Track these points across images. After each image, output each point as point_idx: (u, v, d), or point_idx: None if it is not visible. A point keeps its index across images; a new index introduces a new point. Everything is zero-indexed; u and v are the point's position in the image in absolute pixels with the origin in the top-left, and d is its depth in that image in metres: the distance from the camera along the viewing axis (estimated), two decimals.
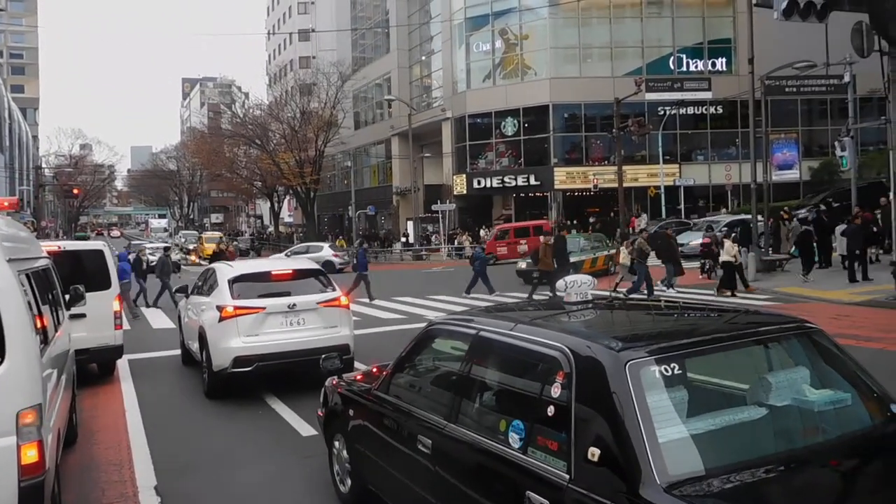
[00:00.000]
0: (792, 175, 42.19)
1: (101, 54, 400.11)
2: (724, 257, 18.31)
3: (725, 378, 3.65)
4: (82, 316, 9.32)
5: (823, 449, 3.21)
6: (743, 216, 30.01)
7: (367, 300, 20.19)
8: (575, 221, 42.20)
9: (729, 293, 17.72)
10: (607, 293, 18.85)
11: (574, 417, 3.15)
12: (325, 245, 39.74)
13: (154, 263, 23.25)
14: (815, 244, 20.76)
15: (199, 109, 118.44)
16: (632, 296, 17.17)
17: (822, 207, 26.61)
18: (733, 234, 20.06)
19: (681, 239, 29.17)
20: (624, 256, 19.94)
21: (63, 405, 6.01)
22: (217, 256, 23.77)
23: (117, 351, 10.77)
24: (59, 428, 5.58)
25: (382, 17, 59.81)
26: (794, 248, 22.25)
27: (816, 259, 21.64)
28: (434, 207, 45.43)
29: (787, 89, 32.78)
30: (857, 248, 18.30)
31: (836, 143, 27.38)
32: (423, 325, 5.05)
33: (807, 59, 24.92)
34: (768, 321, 3.94)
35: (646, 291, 18.02)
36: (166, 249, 30.88)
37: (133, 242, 47.29)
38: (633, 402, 2.98)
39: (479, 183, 46.17)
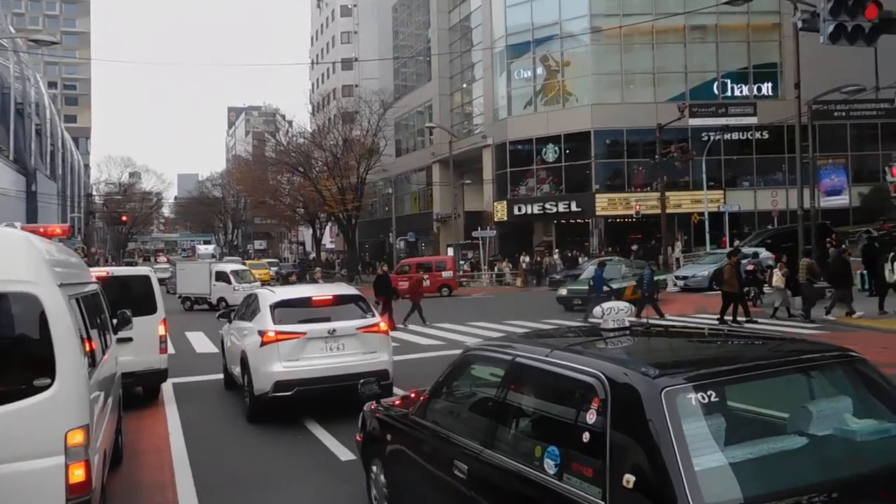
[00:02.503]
0: (841, 201, 41.32)
1: (151, 85, 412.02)
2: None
3: (765, 406, 3.61)
4: (129, 340, 9.49)
5: (866, 479, 3.13)
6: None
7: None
8: (617, 248, 41.75)
9: None
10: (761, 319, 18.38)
11: (609, 444, 3.13)
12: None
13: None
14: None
15: (244, 138, 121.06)
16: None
17: (875, 234, 26.15)
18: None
19: (685, 271, 28.93)
20: (778, 278, 19.02)
21: (109, 427, 6.14)
22: (381, 280, 21.54)
23: (162, 375, 10.96)
24: (106, 449, 5.69)
25: (424, 45, 60.64)
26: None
27: (867, 287, 21.12)
28: (475, 234, 45.52)
29: (835, 114, 32.18)
30: None
31: (887, 168, 26.80)
32: (461, 351, 5.07)
33: (855, 83, 24.48)
34: (810, 349, 3.88)
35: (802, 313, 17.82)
36: (304, 268, 30.45)
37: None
38: (669, 429, 2.96)
39: (519, 209, 46.16)
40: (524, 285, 38.60)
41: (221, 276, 29.77)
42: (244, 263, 49.37)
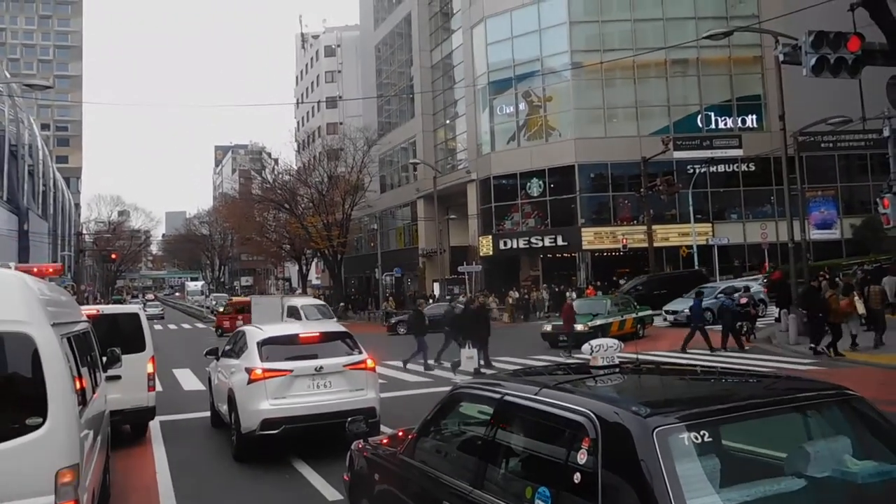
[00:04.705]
0: (832, 234, 40.77)
1: (140, 125, 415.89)
2: None
3: (761, 447, 3.55)
4: (117, 378, 9.43)
5: None
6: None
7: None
8: (605, 283, 41.50)
9: None
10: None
11: (601, 485, 3.07)
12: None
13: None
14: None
15: (231, 175, 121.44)
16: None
17: (866, 268, 25.98)
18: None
19: (674, 306, 28.71)
20: (861, 307, 17.67)
21: (98, 466, 6.09)
22: (477, 314, 20.02)
23: (150, 412, 10.91)
24: (94, 488, 5.66)
25: (407, 83, 61.17)
26: None
27: (863, 322, 20.66)
28: (460, 269, 45.44)
29: (822, 145, 31.74)
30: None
31: (878, 200, 26.48)
32: (449, 388, 5.04)
33: (841, 115, 24.19)
34: (806, 388, 3.83)
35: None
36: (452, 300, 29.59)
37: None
38: (662, 470, 2.90)
39: (505, 244, 46.12)
40: (511, 321, 38.47)
41: (292, 312, 29.62)
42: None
